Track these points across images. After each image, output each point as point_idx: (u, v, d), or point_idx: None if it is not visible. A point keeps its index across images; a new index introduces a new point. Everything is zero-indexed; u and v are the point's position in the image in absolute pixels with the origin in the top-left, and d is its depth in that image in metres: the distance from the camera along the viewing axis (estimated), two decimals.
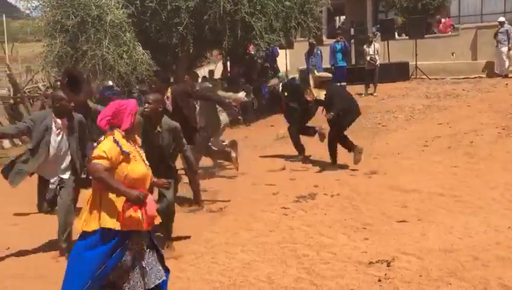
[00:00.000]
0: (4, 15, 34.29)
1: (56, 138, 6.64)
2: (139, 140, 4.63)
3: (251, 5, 15.70)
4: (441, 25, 23.53)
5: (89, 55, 14.51)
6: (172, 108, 8.22)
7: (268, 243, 6.73)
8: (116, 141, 4.35)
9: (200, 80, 19.56)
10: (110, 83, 15.79)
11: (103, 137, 4.42)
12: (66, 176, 6.75)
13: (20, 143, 16.38)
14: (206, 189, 9.48)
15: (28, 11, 16.42)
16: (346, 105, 10.72)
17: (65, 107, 6.61)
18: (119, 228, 4.25)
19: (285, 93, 12.26)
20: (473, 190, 8.55)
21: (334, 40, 19.84)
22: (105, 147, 4.31)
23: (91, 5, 14.49)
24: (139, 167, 4.44)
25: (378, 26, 23.90)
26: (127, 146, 4.42)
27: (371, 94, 18.46)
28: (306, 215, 8.02)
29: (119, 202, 4.29)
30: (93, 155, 4.32)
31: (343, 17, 28.60)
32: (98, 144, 4.37)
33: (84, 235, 4.34)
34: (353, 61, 20.86)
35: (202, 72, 21.80)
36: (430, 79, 19.90)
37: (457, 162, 10.47)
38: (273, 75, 19.12)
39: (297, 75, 20.84)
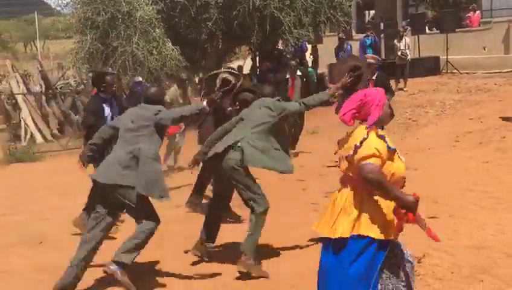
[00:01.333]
0: (36, 12, 34.82)
1: None
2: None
3: (280, 0, 15.68)
4: (475, 14, 23.22)
5: (119, 52, 14.64)
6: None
7: (297, 239, 6.72)
8: (381, 137, 3.85)
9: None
10: (140, 78, 15.90)
11: (366, 133, 3.86)
12: None
13: (52, 139, 16.62)
14: None
15: (59, 8, 16.70)
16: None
17: None
18: (383, 238, 3.78)
19: None
20: (505, 185, 8.42)
21: (364, 34, 19.73)
22: (377, 144, 3.80)
23: (121, 1, 14.62)
24: (401, 164, 3.94)
25: (409, 20, 23.70)
26: (390, 142, 3.89)
27: (401, 89, 18.30)
28: None
29: (386, 207, 3.82)
30: (364, 154, 3.77)
31: (372, 12, 28.39)
32: (361, 142, 3.82)
33: (340, 243, 3.84)
34: (383, 56, 20.70)
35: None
36: (461, 73, 19.66)
37: (489, 157, 10.33)
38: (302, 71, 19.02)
39: (326, 70, 20.74)
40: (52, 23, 19.70)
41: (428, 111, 15.27)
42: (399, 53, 18.45)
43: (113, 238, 6.61)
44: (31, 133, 16.66)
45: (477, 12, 23.46)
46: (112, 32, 14.72)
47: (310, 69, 19.40)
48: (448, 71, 20.02)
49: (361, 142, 3.82)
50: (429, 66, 20.15)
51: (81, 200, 9.27)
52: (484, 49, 21.55)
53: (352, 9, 23.03)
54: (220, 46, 16.72)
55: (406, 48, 18.65)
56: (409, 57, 18.68)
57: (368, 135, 3.84)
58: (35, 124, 16.87)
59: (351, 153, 3.84)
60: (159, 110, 5.79)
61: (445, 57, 19.95)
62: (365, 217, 3.79)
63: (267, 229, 7.13)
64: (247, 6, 15.23)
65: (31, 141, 16.12)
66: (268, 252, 6.41)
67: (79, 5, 15.48)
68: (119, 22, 14.67)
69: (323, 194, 8.75)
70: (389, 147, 3.84)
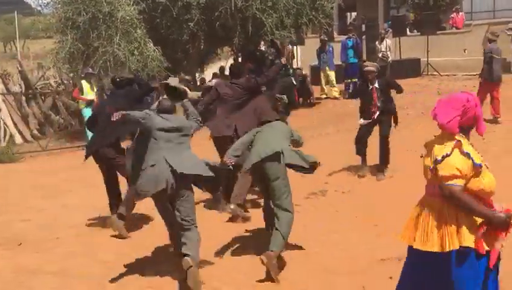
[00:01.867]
0: (16, 11, 34.48)
1: None
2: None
3: (262, 2, 15.70)
4: (459, 15, 23.41)
5: (100, 52, 14.56)
6: None
7: None
8: (466, 154, 3.66)
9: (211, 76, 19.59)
10: None
11: (451, 149, 3.69)
12: None
13: (32, 139, 16.48)
14: None
15: (39, 8, 16.56)
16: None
17: None
18: (486, 248, 3.63)
19: None
20: None
21: (346, 36, 19.77)
22: (458, 164, 3.62)
23: (102, 2, 14.55)
24: (491, 177, 3.74)
25: (390, 22, 23.80)
26: (477, 156, 3.72)
27: None
28: (317, 212, 8.00)
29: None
30: (444, 174, 3.63)
31: (354, 14, 28.50)
32: (443, 158, 3.67)
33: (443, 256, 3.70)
34: (364, 58, 20.76)
35: (214, 68, 21.82)
36: (441, 75, 19.78)
37: None
38: (284, 72, 19.04)
39: (307, 72, 20.78)
40: (33, 23, 19.47)
41: (408, 113, 15.32)
42: (380, 55, 18.53)
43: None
44: (11, 133, 16.51)
45: (461, 13, 23.67)
46: (92, 33, 14.64)
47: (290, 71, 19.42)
48: (429, 73, 20.12)
49: (442, 158, 3.68)
50: (410, 68, 20.21)
51: (61, 201, 9.26)
52: (464, 52, 21.69)
53: (334, 11, 23.13)
54: (202, 47, 16.73)
55: (387, 49, 18.74)
56: (389, 59, 18.77)
57: (451, 151, 3.68)
58: (15, 124, 16.72)
59: (431, 167, 3.75)
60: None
61: (426, 59, 20.07)
62: (464, 228, 3.66)
63: (247, 233, 7.15)
64: (229, 8, 15.24)
65: (10, 142, 15.96)
66: (253, 254, 6.39)
67: (59, 5, 15.39)
68: (100, 22, 14.59)
69: (305, 195, 8.78)
70: (475, 164, 3.66)
